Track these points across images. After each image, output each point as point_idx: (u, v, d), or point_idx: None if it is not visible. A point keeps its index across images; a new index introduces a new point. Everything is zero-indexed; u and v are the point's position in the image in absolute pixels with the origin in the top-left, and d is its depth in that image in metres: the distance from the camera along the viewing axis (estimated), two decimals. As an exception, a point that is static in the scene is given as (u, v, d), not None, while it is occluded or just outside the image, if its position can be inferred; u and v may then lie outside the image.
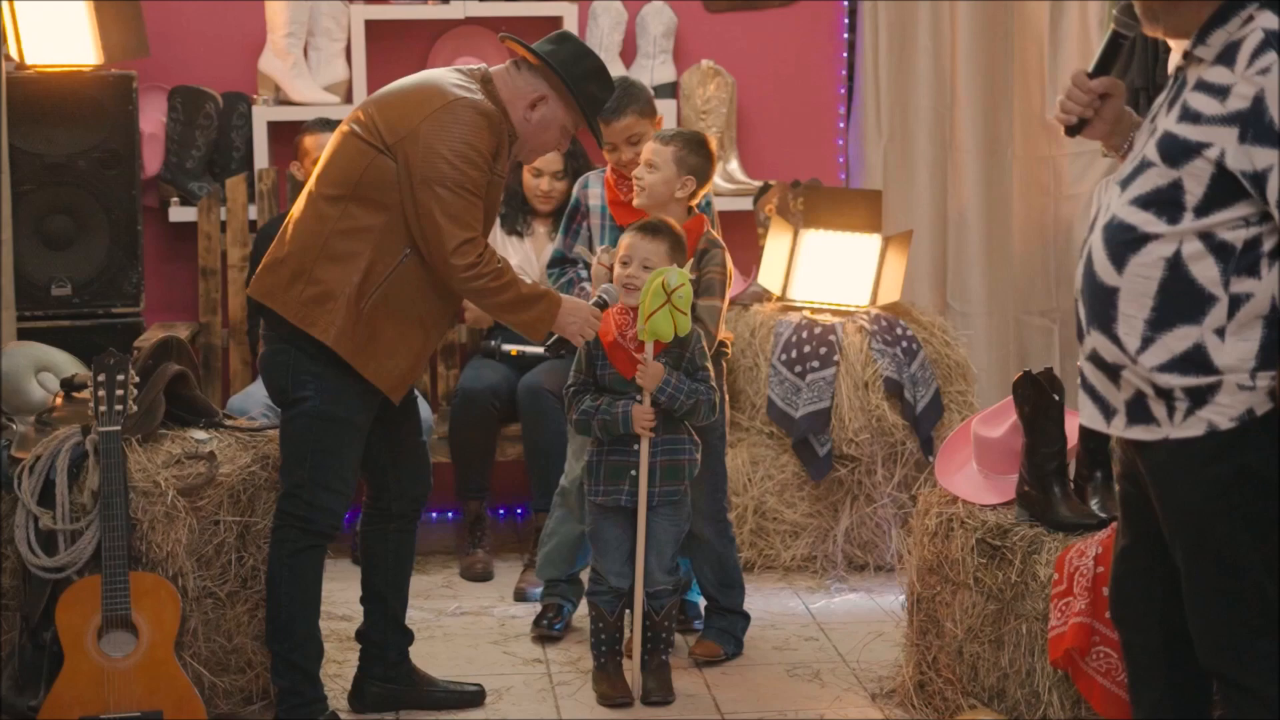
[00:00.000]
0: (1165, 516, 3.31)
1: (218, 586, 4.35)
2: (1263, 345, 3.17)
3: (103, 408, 4.22)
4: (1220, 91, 3.14)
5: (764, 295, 6.06)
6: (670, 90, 6.39)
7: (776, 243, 6.02)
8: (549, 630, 5.10)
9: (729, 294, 4.92)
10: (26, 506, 4.24)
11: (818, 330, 5.74)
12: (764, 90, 6.56)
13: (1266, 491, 3.22)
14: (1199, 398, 3.18)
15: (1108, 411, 3.33)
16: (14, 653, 4.25)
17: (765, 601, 5.33)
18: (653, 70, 6.37)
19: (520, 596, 5.52)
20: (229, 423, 4.68)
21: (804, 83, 6.60)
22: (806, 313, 5.88)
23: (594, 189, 5.17)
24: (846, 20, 6.55)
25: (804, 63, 6.60)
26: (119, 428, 4.22)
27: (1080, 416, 3.45)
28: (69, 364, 4.92)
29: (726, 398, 5.02)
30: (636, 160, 4.92)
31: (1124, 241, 3.22)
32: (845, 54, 6.58)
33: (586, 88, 4.38)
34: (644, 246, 4.56)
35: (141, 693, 4.15)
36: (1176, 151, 3.17)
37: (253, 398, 5.58)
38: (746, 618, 5.10)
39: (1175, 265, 3.17)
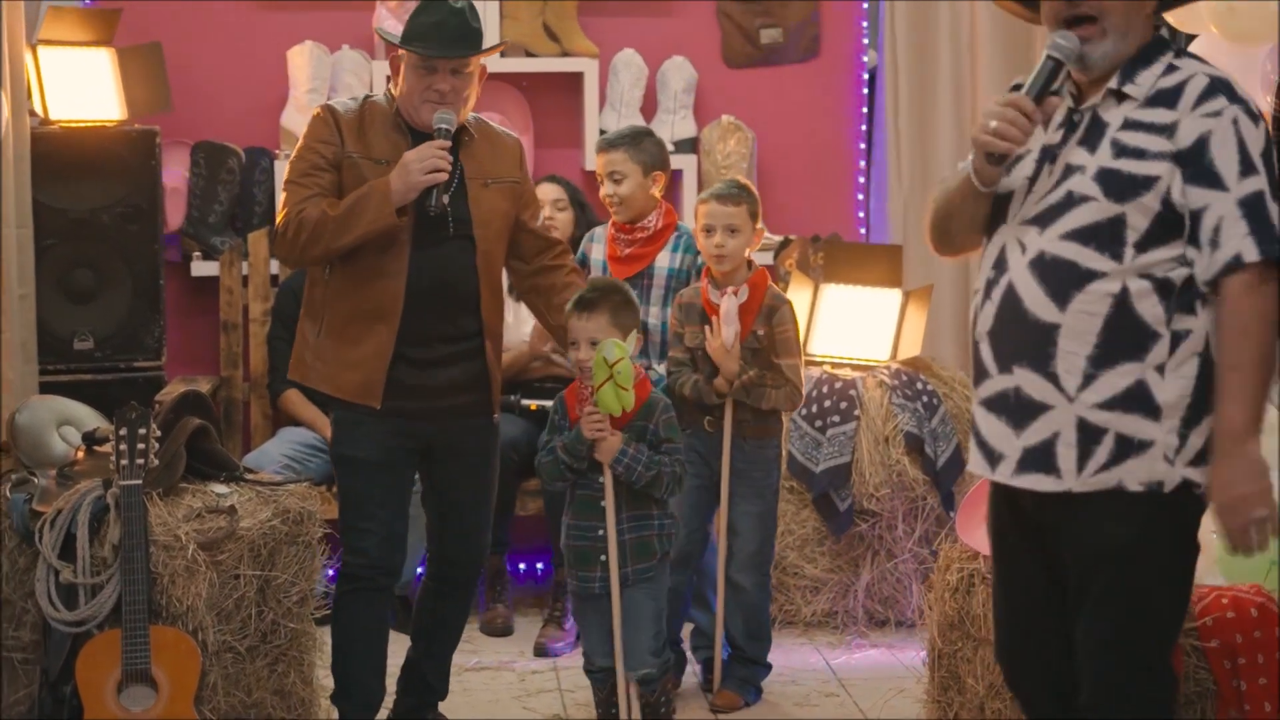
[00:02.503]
0: (1078, 565, 3.29)
1: (237, 641, 4.34)
2: (1197, 381, 3.21)
3: (124, 461, 4.22)
4: (1164, 130, 3.20)
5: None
6: (691, 145, 6.41)
7: (797, 297, 6.00)
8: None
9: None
10: (47, 560, 4.24)
11: (838, 385, 5.73)
12: (784, 145, 6.58)
13: (1178, 548, 3.26)
14: (1122, 451, 3.20)
15: (993, 458, 3.32)
16: (33, 706, 4.24)
17: (786, 657, 5.31)
18: (673, 125, 6.39)
19: (540, 651, 5.50)
20: (250, 477, 4.68)
21: (824, 138, 6.62)
22: (827, 367, 5.88)
23: (598, 244, 5.21)
24: (866, 75, 6.56)
25: (824, 118, 6.62)
26: (140, 481, 4.22)
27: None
28: (90, 417, 4.92)
29: (783, 451, 4.99)
30: (612, 197, 5.11)
31: (1065, 278, 3.23)
32: (865, 109, 6.59)
33: (412, 25, 4.32)
34: (583, 327, 4.34)
35: (160, 747, 4.15)
36: (1123, 186, 3.20)
37: (267, 455, 5.57)
38: (768, 667, 5.10)
39: (1122, 303, 3.20)
